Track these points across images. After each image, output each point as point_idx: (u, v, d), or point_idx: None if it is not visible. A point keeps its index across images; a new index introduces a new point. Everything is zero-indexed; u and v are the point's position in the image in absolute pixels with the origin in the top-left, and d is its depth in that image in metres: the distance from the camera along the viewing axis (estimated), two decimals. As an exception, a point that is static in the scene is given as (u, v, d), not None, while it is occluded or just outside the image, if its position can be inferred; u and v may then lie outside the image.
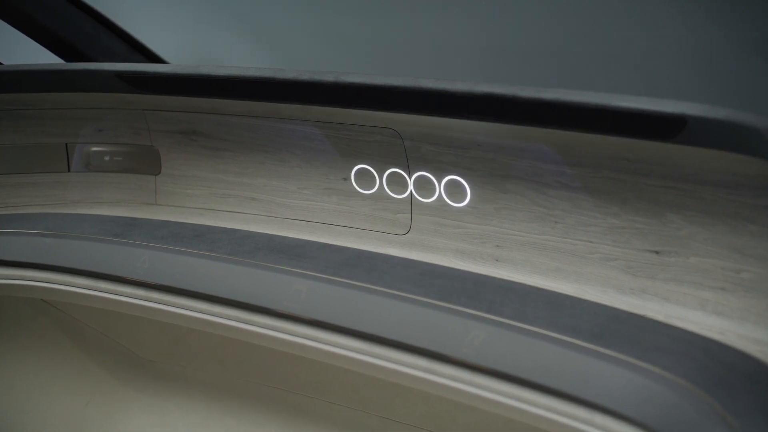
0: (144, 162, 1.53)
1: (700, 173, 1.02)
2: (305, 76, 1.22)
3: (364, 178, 1.34)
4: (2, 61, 1.63)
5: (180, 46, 2.24)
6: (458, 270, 1.24)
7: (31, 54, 1.67)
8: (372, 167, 1.33)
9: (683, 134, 0.95)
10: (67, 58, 1.71)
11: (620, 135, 1.03)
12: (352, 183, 1.35)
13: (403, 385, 1.35)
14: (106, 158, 1.54)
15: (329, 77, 1.20)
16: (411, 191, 1.30)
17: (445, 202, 1.27)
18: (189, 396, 1.62)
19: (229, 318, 1.22)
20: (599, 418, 0.92)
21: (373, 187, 1.34)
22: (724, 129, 0.90)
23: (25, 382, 1.64)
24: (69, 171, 1.55)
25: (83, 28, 1.66)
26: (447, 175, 1.26)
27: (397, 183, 1.31)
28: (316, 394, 1.48)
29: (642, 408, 0.90)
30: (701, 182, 1.03)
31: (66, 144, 1.54)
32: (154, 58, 1.84)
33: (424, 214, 1.29)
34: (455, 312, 1.07)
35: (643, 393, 0.91)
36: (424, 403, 1.36)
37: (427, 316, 1.07)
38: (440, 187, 1.27)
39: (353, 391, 1.43)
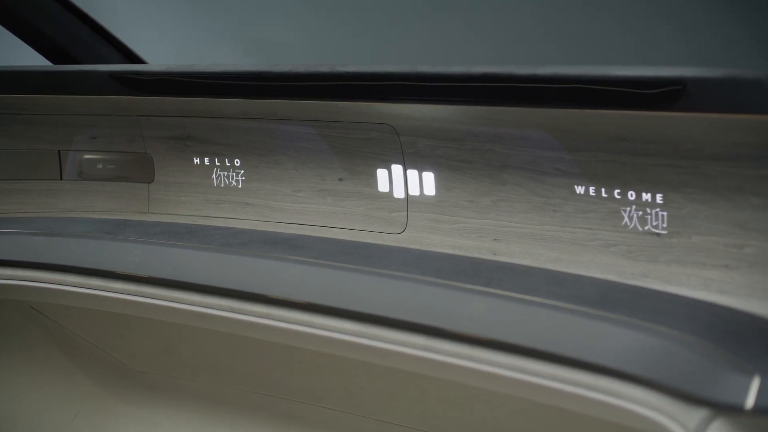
0: (137, 170, 1.52)
1: (700, 148, 1.01)
2: (301, 68, 1.21)
3: (360, 177, 1.33)
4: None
5: (175, 58, 2.25)
6: (456, 255, 1.22)
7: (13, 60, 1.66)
8: (368, 166, 1.31)
9: (684, 100, 0.94)
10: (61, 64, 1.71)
11: (620, 108, 1.02)
12: (347, 183, 1.34)
13: (399, 385, 1.33)
14: (99, 166, 1.53)
15: (324, 68, 1.19)
16: (407, 189, 1.29)
17: (442, 197, 1.25)
18: (180, 407, 1.59)
19: (222, 309, 1.19)
20: (603, 382, 0.90)
21: (368, 187, 1.32)
22: (724, 87, 0.89)
23: (12, 393, 1.61)
24: (61, 178, 1.53)
25: (79, 35, 1.66)
26: (444, 170, 1.24)
27: (393, 181, 1.30)
28: (311, 400, 1.45)
29: (649, 365, 0.88)
30: (702, 157, 1.01)
31: (59, 151, 1.53)
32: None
33: (420, 211, 1.28)
34: (453, 287, 1.04)
35: (649, 351, 0.88)
36: (420, 403, 1.33)
37: (423, 292, 1.05)
38: (436, 183, 1.26)
39: (348, 395, 1.40)
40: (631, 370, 0.88)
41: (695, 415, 0.85)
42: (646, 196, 1.07)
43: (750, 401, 0.81)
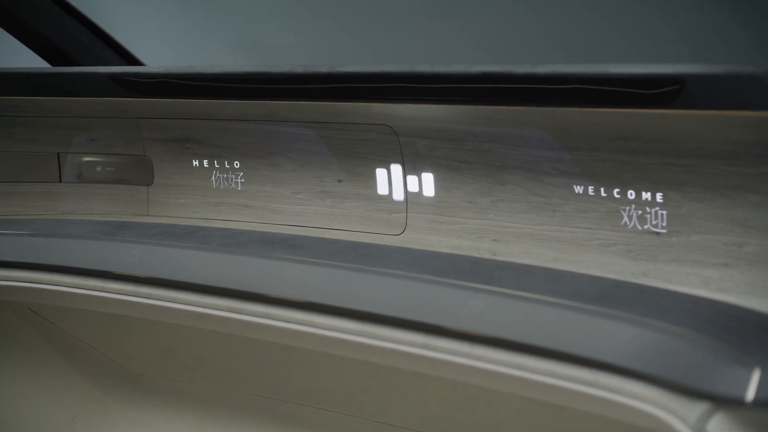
0: (137, 172, 1.52)
1: (699, 146, 1.01)
2: (299, 69, 1.21)
3: (359, 178, 1.32)
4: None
5: (173, 60, 2.25)
6: (455, 255, 1.22)
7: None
8: (367, 167, 1.31)
9: (682, 97, 0.94)
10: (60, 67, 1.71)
11: (619, 106, 1.02)
12: (346, 184, 1.33)
13: (398, 386, 1.32)
14: (98, 169, 1.53)
15: (324, 69, 1.19)
16: (406, 189, 1.28)
17: (441, 198, 1.25)
18: (179, 410, 1.59)
19: (221, 308, 1.19)
20: (604, 378, 0.89)
21: (367, 188, 1.32)
22: (722, 84, 0.89)
23: (11, 395, 1.60)
24: (60, 181, 1.53)
25: (78, 37, 1.66)
26: (443, 170, 1.24)
27: (393, 182, 1.29)
28: (310, 402, 1.45)
29: (649, 361, 0.87)
30: (700, 155, 1.01)
31: (58, 153, 1.52)
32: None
33: (419, 212, 1.27)
34: (453, 285, 1.04)
35: (649, 346, 0.88)
36: (420, 404, 1.33)
37: (423, 290, 1.05)
38: (436, 183, 1.25)
39: (347, 396, 1.40)
40: (632, 366, 0.88)
41: (696, 408, 0.85)
42: (646, 195, 1.07)
43: (750, 394, 0.81)
